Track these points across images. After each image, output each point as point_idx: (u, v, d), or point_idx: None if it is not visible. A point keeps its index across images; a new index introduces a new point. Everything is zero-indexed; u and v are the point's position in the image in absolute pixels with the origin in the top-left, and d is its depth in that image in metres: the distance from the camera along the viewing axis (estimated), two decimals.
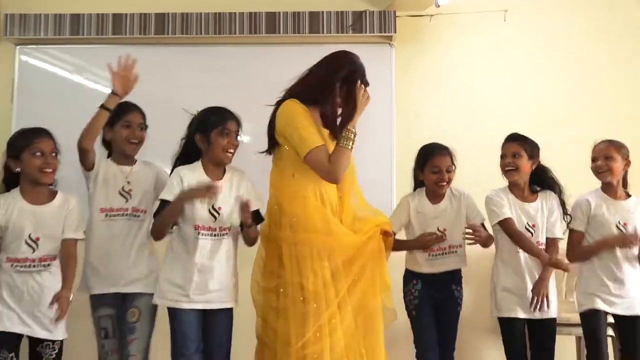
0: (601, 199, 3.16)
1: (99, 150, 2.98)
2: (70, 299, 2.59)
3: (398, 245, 3.07)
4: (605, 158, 3.11)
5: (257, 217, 2.86)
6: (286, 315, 2.67)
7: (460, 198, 3.21)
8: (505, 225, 3.10)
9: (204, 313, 2.77)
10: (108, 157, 3.04)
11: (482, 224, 3.19)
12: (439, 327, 3.09)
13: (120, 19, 4.69)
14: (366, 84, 2.85)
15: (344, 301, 2.66)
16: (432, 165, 3.17)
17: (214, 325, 2.79)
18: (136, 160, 3.01)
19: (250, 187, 2.91)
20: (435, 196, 3.22)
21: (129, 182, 2.88)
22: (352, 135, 2.68)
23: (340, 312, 2.64)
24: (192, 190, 2.70)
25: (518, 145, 3.15)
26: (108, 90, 2.90)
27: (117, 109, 2.88)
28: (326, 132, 2.84)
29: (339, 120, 2.84)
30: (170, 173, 2.88)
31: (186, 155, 2.89)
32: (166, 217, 2.76)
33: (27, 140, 2.55)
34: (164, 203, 2.76)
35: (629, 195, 3.18)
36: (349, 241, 2.73)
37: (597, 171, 3.16)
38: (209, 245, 2.77)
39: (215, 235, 2.78)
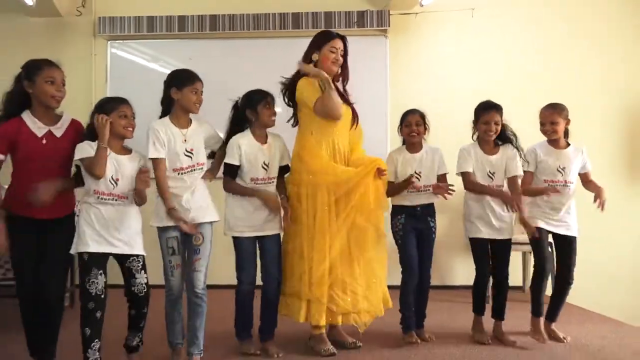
0: (546, 149, 3.08)
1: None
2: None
3: (392, 189, 3.03)
4: (551, 123, 3.03)
5: (286, 169, 2.91)
6: (301, 236, 2.80)
7: (434, 152, 3.12)
8: (464, 177, 3.06)
9: (259, 239, 2.81)
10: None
11: (445, 175, 3.11)
12: (419, 251, 3.04)
13: (184, 20, 4.62)
14: (331, 36, 2.91)
15: (343, 222, 2.77)
16: (405, 122, 3.11)
17: (268, 246, 2.82)
18: (191, 121, 2.68)
19: (284, 147, 2.90)
20: (411, 147, 3.13)
21: (185, 141, 2.59)
22: (322, 83, 2.74)
23: (339, 233, 2.77)
24: (268, 202, 2.76)
25: (498, 114, 3.03)
26: None
27: (184, 75, 2.62)
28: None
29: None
30: (225, 141, 2.80)
31: (233, 126, 2.85)
32: (237, 192, 2.78)
33: (115, 104, 2.44)
34: (229, 166, 2.76)
35: (569, 144, 3.10)
36: (348, 175, 2.78)
37: (544, 133, 3.08)
38: (259, 189, 2.79)
39: (266, 184, 2.81)
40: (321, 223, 2.76)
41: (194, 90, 2.58)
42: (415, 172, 3.04)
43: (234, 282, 2.84)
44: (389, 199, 3.04)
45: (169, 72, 2.70)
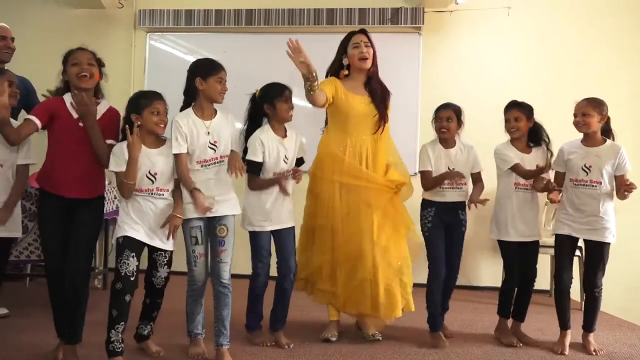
0: (576, 146, 2.94)
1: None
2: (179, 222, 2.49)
3: (431, 181, 2.97)
4: (583, 115, 2.86)
5: (300, 162, 2.88)
6: (314, 230, 2.90)
7: (469, 150, 3.05)
8: (516, 169, 2.95)
9: (275, 231, 2.78)
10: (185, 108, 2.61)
11: (479, 173, 3.05)
12: (448, 244, 2.98)
13: (221, 14, 4.67)
14: (351, 34, 2.89)
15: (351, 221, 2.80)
16: (437, 117, 3.03)
17: (284, 238, 2.80)
18: (216, 112, 2.60)
19: (301, 140, 2.87)
20: (444, 142, 3.04)
21: (208, 133, 2.53)
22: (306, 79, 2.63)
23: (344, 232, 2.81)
24: (279, 185, 2.70)
25: (518, 111, 2.97)
26: None
27: (208, 64, 2.58)
28: (361, 98, 2.87)
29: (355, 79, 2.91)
30: (246, 137, 2.76)
31: (251, 120, 2.83)
32: (264, 187, 2.73)
33: (148, 101, 2.43)
34: (251, 163, 2.71)
35: (605, 142, 2.91)
36: (355, 170, 2.81)
37: (575, 125, 2.92)
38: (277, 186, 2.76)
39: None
40: (330, 199, 2.81)
41: (219, 80, 2.53)
42: (448, 169, 2.97)
43: (243, 272, 2.84)
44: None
45: None
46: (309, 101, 2.73)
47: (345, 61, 2.84)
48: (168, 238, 2.47)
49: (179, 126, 2.49)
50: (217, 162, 2.53)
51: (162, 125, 2.45)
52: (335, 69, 2.92)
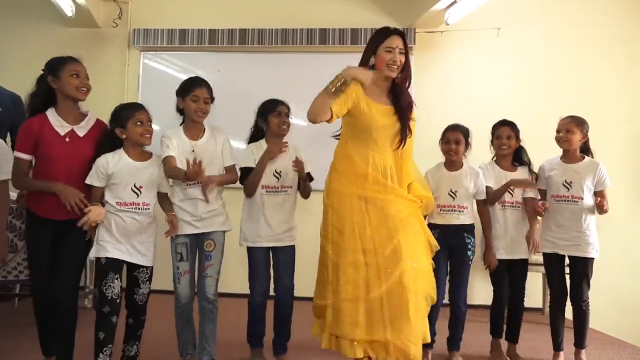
0: (555, 164, 2.98)
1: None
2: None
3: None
4: (567, 131, 2.92)
5: (308, 177, 2.81)
6: (329, 250, 2.38)
7: (476, 175, 2.95)
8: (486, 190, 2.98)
9: (274, 250, 2.73)
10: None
11: (484, 201, 2.99)
12: (452, 267, 2.88)
13: (215, 33, 4.72)
14: (387, 33, 2.40)
15: (374, 242, 2.30)
16: (444, 138, 2.98)
17: (282, 257, 2.73)
18: (204, 131, 2.58)
19: (303, 157, 2.81)
20: (450, 164, 2.97)
21: (193, 151, 2.50)
22: (336, 80, 2.20)
23: (369, 253, 2.29)
24: (266, 152, 2.66)
25: (510, 129, 3.00)
26: None
27: (187, 83, 2.56)
28: (385, 108, 2.42)
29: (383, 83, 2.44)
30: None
31: (253, 136, 2.84)
32: (256, 178, 2.68)
33: (130, 112, 2.39)
34: (244, 170, 2.70)
35: (583, 159, 2.95)
36: (380, 184, 2.37)
37: (558, 140, 2.97)
38: (274, 199, 2.72)
39: (277, 192, 2.73)
40: (351, 232, 2.31)
41: (195, 98, 2.51)
42: (450, 191, 2.91)
43: (248, 290, 2.78)
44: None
45: None
46: (314, 110, 2.26)
47: (372, 61, 2.42)
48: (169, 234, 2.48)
49: (167, 139, 2.50)
50: (201, 182, 2.47)
51: (147, 136, 2.42)
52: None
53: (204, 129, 2.59)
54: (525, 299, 3.02)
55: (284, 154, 2.74)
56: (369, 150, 2.40)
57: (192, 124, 2.56)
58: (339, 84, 2.19)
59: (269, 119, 2.73)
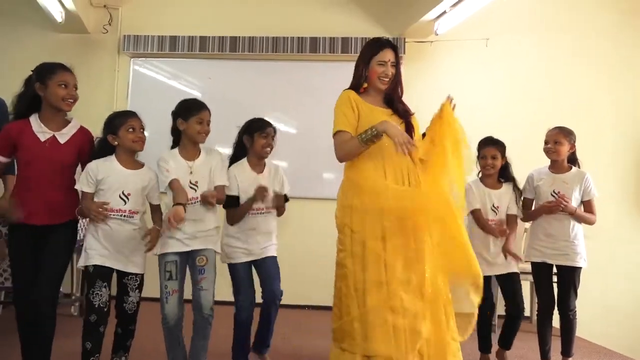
0: (544, 173, 3.02)
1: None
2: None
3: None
4: (555, 142, 2.95)
5: (285, 198, 2.81)
6: (348, 265, 2.30)
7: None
8: (474, 214, 2.97)
9: (255, 262, 2.74)
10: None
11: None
12: None
13: (205, 40, 4.70)
14: (379, 47, 2.43)
15: (395, 256, 2.23)
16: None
17: (265, 265, 2.73)
18: (200, 152, 2.58)
19: (283, 177, 2.84)
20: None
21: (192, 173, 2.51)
22: (370, 132, 2.26)
23: (389, 268, 2.22)
24: (255, 195, 2.64)
25: (495, 149, 2.99)
26: (195, 93, 2.76)
27: (190, 105, 2.54)
28: (384, 111, 2.45)
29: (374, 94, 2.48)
30: (229, 166, 2.74)
31: (236, 152, 2.82)
32: (242, 213, 2.69)
33: (123, 119, 2.39)
34: (228, 198, 2.67)
35: (571, 169, 2.99)
36: (401, 194, 2.29)
37: (546, 152, 3.01)
38: (257, 219, 2.73)
39: (263, 214, 2.74)
40: (372, 254, 2.24)
41: (200, 120, 2.50)
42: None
43: (231, 297, 2.75)
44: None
45: (188, 89, 2.65)
46: (345, 154, 2.35)
47: (364, 72, 2.45)
48: (148, 249, 2.40)
49: (165, 162, 2.47)
50: (197, 202, 2.49)
51: (139, 142, 2.41)
52: (357, 82, 2.48)
53: (200, 149, 2.58)
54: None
55: (267, 176, 2.76)
56: (383, 160, 2.34)
57: (190, 145, 2.54)
58: (371, 135, 2.26)
59: (255, 138, 2.73)
